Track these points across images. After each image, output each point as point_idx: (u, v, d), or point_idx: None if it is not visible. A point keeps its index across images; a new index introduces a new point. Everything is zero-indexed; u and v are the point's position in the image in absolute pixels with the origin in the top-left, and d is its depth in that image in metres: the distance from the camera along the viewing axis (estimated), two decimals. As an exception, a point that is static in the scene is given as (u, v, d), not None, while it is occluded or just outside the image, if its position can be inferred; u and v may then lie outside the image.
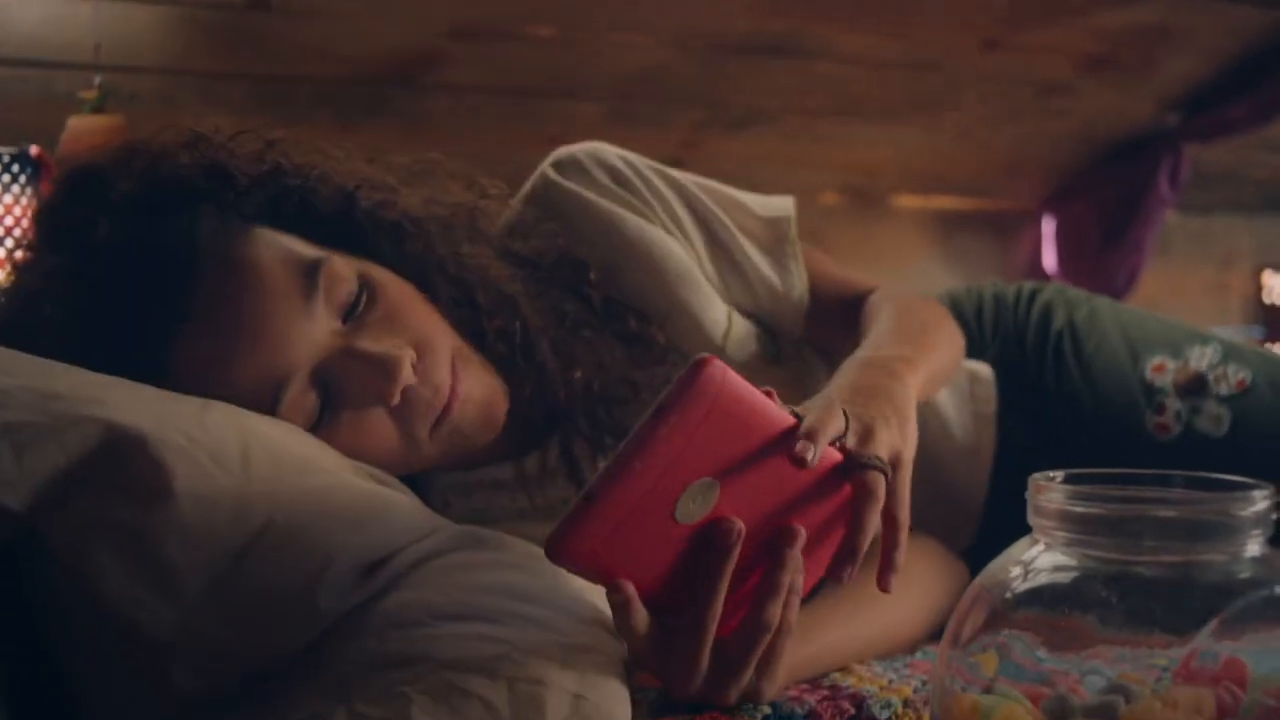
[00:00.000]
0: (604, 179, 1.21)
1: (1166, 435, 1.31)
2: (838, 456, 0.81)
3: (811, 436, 0.76)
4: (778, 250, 1.27)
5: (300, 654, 0.78)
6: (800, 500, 0.80)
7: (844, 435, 0.81)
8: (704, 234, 1.24)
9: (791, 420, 0.78)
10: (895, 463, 0.86)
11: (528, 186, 1.23)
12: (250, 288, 0.93)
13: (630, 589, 0.76)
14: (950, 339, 1.22)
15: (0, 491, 0.74)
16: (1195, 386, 1.31)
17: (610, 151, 1.24)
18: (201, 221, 0.95)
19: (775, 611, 0.80)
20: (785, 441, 0.77)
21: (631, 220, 1.20)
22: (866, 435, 0.85)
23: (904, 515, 0.85)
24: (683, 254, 1.21)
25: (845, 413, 0.82)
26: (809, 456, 0.76)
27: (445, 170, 1.17)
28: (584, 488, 0.73)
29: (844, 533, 0.83)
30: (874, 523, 0.81)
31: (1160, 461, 1.26)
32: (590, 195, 1.20)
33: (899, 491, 0.85)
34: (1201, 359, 1.34)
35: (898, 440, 0.87)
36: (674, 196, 1.24)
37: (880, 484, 0.81)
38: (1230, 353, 1.34)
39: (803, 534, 0.80)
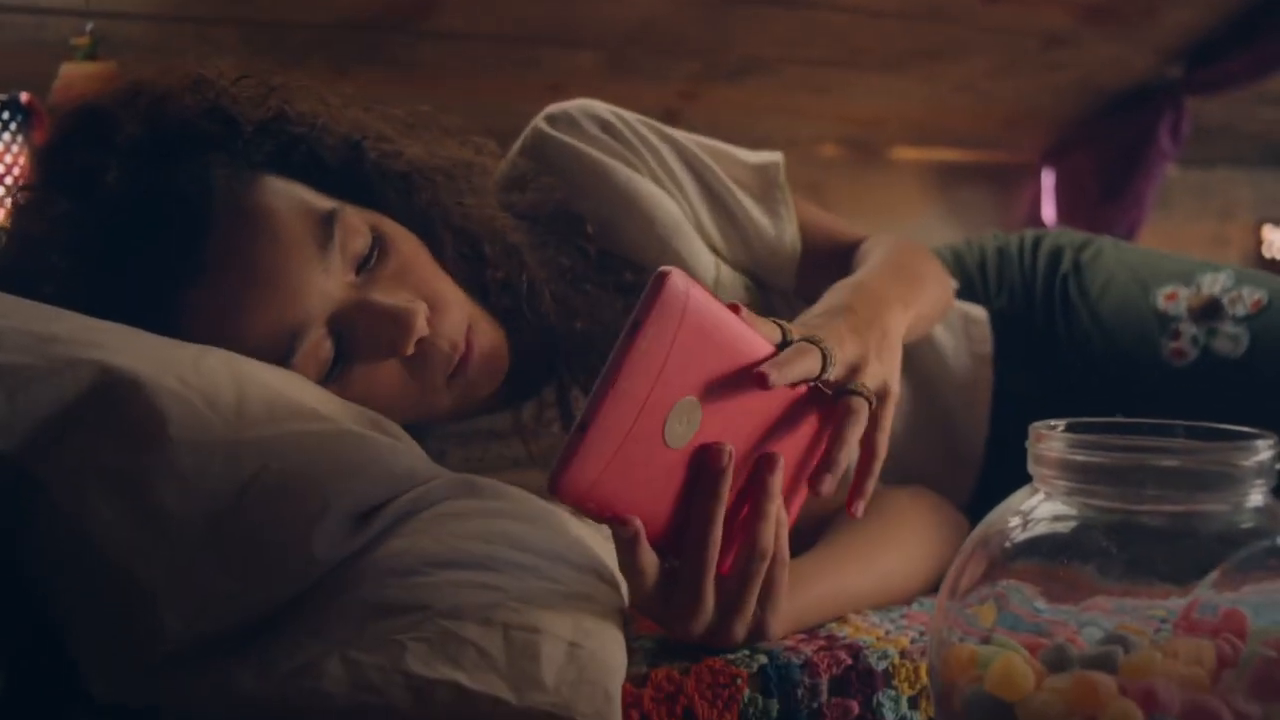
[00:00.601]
0: (594, 130, 1.22)
1: (1183, 360, 1.30)
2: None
3: (777, 365, 0.77)
4: (768, 196, 1.28)
5: (295, 601, 0.77)
6: (780, 427, 0.82)
7: (824, 372, 0.82)
8: (699, 185, 1.25)
9: (768, 349, 0.79)
10: (882, 394, 0.87)
11: (520, 141, 1.24)
12: (266, 237, 0.92)
13: (638, 523, 0.76)
14: (939, 281, 1.23)
15: (-8, 435, 0.74)
16: (1210, 310, 1.30)
17: (601, 106, 1.25)
18: (213, 170, 0.95)
19: (769, 538, 0.81)
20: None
21: (621, 171, 1.20)
22: (855, 370, 0.86)
23: (882, 444, 0.86)
24: (672, 205, 1.22)
25: (825, 353, 0.82)
26: (773, 377, 0.76)
27: (439, 124, 1.17)
28: (579, 418, 0.72)
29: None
30: (854, 440, 0.82)
31: (1178, 389, 1.27)
32: (581, 146, 1.21)
33: (882, 421, 0.86)
34: (1214, 284, 1.33)
35: (886, 374, 0.89)
36: (667, 149, 1.24)
37: (863, 408, 0.83)
38: (1243, 277, 1.33)
39: (781, 460, 0.81)
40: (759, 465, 0.81)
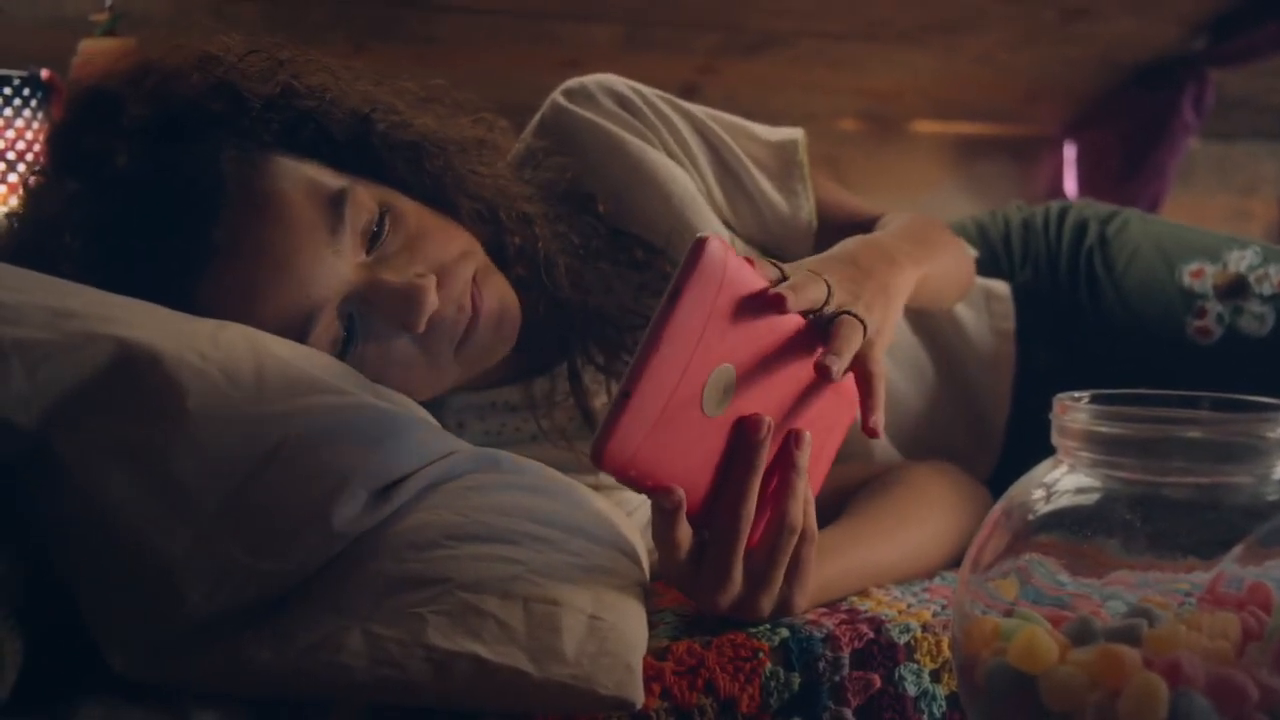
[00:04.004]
0: (611, 105, 1.23)
1: (1208, 339, 1.30)
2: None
3: (793, 288, 0.77)
4: (785, 174, 1.28)
5: (315, 575, 0.77)
6: (806, 401, 0.82)
7: (825, 304, 0.81)
8: (712, 160, 1.26)
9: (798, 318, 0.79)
10: (873, 336, 0.85)
11: (538, 117, 1.25)
12: (277, 222, 0.92)
13: (681, 493, 0.76)
14: (956, 252, 1.23)
15: (12, 409, 0.74)
16: (1236, 288, 1.29)
17: (619, 81, 1.25)
18: (222, 152, 0.94)
19: (798, 513, 0.81)
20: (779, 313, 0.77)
21: (635, 144, 1.21)
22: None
23: (878, 369, 0.83)
24: (686, 179, 1.22)
25: (829, 284, 0.82)
26: (790, 300, 0.76)
27: (453, 98, 1.17)
28: (620, 385, 0.72)
29: (840, 437, 0.87)
30: (847, 352, 0.79)
31: (1203, 367, 1.27)
32: (597, 120, 1.21)
33: (875, 354, 0.84)
34: (1241, 262, 1.32)
35: (879, 324, 0.86)
36: (682, 123, 1.25)
37: (856, 326, 0.80)
38: (1270, 255, 1.32)
39: (809, 436, 0.81)
40: (787, 441, 0.81)
